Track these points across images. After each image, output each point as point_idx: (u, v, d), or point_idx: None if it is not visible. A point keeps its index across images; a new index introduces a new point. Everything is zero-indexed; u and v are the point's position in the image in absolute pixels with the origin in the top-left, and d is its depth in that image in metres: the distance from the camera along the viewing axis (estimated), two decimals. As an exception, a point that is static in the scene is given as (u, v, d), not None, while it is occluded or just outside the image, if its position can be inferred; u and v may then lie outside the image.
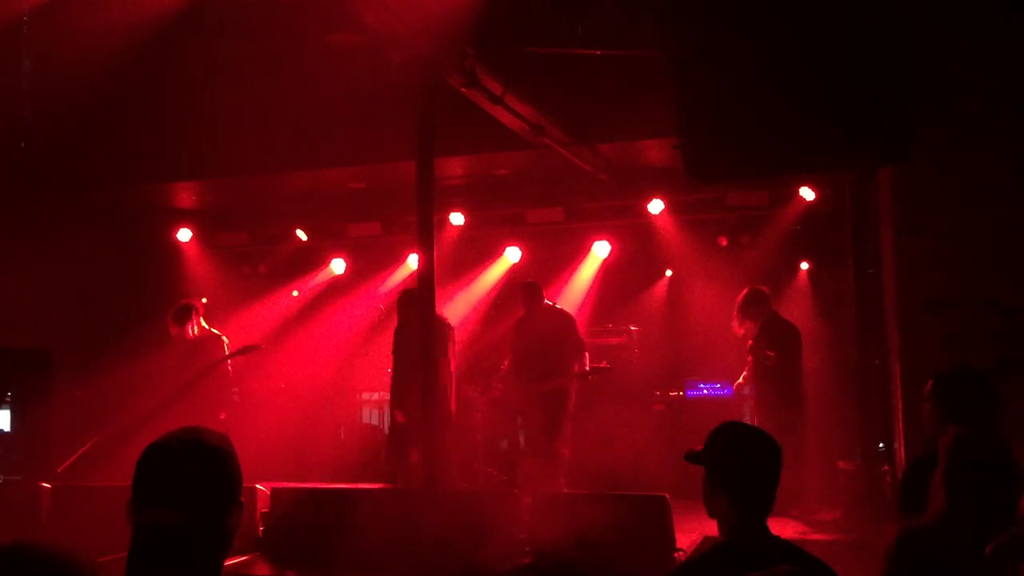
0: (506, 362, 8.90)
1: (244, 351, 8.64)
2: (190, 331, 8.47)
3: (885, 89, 5.05)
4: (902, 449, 6.94)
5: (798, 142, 5.41)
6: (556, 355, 8.38)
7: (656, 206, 9.88)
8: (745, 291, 8.16)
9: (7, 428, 9.05)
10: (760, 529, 2.66)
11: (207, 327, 8.61)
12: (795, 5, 5.19)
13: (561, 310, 8.76)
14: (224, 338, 8.69)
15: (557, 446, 8.22)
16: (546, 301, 8.68)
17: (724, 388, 9.66)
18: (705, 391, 9.69)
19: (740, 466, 2.69)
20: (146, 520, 1.90)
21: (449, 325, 8.35)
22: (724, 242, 10.09)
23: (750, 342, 7.95)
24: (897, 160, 5.99)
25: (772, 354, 7.67)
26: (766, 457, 2.71)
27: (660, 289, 10.62)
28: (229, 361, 8.50)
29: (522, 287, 8.76)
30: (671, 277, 10.65)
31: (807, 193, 9.35)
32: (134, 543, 1.91)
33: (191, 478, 1.94)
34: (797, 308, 9.91)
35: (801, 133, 5.32)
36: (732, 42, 5.27)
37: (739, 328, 8.02)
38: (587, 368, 8.48)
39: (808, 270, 10.11)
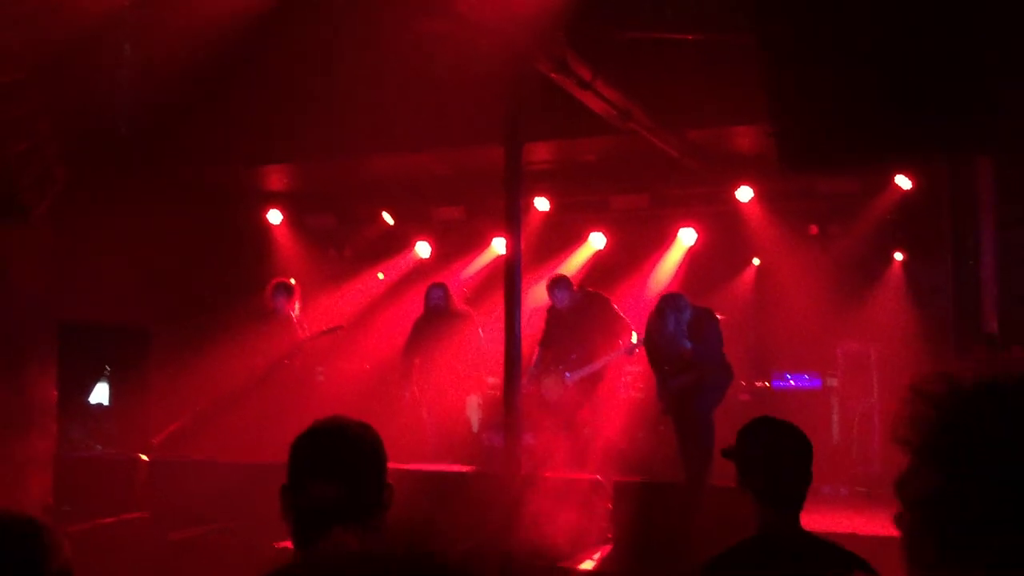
0: (535, 355, 8.78)
1: (328, 332, 8.85)
2: (287, 308, 8.78)
3: (985, 78, 4.87)
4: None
5: (895, 130, 5.27)
6: (591, 340, 8.31)
7: (745, 193, 9.71)
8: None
9: (106, 402, 9.40)
10: (790, 524, 2.66)
11: (295, 307, 8.88)
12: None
13: (592, 293, 8.61)
14: (306, 330, 8.95)
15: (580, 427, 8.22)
16: (575, 288, 8.55)
17: (811, 379, 9.48)
18: (792, 382, 9.51)
19: (766, 462, 2.70)
20: (315, 492, 2.06)
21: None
22: (814, 231, 9.87)
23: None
24: (998, 151, 5.78)
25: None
26: (793, 452, 2.70)
27: (747, 278, 10.45)
28: (309, 344, 8.73)
29: (548, 283, 8.62)
30: (759, 266, 10.46)
31: (903, 182, 9.08)
32: (300, 512, 2.08)
33: (362, 456, 2.14)
34: (890, 299, 9.65)
35: (898, 121, 5.18)
36: (827, 28, 5.13)
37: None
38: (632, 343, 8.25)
39: (903, 261, 9.82)
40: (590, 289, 8.68)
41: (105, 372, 9.21)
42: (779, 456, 2.70)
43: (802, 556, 2.59)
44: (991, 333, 3.61)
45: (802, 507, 2.67)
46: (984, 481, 1.05)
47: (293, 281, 9.11)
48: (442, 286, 9.02)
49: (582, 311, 8.35)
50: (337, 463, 2.09)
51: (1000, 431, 1.06)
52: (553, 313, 8.61)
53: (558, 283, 8.49)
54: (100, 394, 9.37)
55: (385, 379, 9.69)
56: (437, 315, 8.88)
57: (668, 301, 7.49)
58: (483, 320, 9.13)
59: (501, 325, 7.09)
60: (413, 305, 10.49)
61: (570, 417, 8.38)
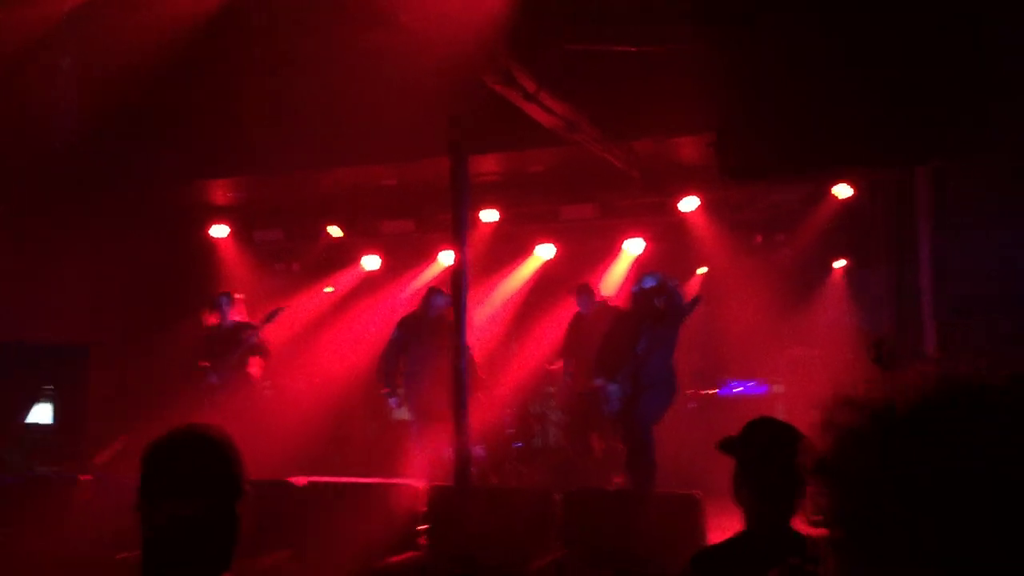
0: (559, 363, 8.89)
1: (272, 315, 8.77)
2: (225, 317, 8.70)
3: (930, 85, 4.97)
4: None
5: (837, 139, 5.35)
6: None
7: (689, 203, 9.82)
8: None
9: (44, 422, 9.20)
10: (781, 522, 2.69)
11: (240, 318, 8.81)
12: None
13: (615, 306, 8.74)
14: (256, 326, 8.87)
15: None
16: (598, 298, 8.73)
17: (758, 386, 9.60)
18: (739, 389, 9.63)
19: (763, 460, 2.73)
20: (160, 513, 1.98)
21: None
22: (759, 239, 10.02)
23: None
24: (941, 161, 5.90)
25: None
26: (791, 452, 2.71)
27: (693, 287, 10.55)
28: (259, 335, 8.62)
29: (576, 290, 8.80)
30: (705, 275, 10.58)
31: (843, 190, 9.25)
32: (147, 538, 2.00)
33: (198, 470, 2.02)
34: (834, 305, 9.82)
35: (839, 131, 5.26)
36: (769, 36, 5.21)
37: None
38: None
39: (845, 267, 10.00)
40: (612, 303, 8.76)
41: (44, 392, 9.01)
42: (779, 456, 2.69)
43: (787, 552, 2.62)
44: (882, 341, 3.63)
45: (798, 506, 2.69)
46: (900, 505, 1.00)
47: (229, 292, 9.07)
48: (445, 294, 8.55)
49: (604, 322, 8.33)
50: (182, 480, 1.99)
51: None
52: (577, 322, 8.67)
53: (581, 289, 8.94)
54: (38, 414, 9.16)
55: (332, 393, 9.62)
56: (439, 325, 8.45)
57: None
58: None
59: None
60: (362, 317, 10.44)
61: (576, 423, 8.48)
